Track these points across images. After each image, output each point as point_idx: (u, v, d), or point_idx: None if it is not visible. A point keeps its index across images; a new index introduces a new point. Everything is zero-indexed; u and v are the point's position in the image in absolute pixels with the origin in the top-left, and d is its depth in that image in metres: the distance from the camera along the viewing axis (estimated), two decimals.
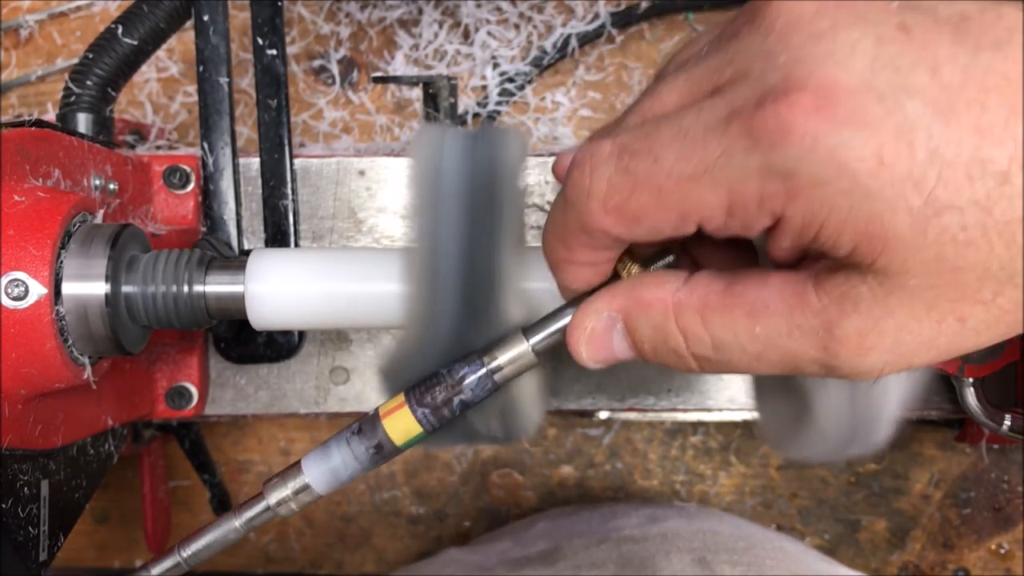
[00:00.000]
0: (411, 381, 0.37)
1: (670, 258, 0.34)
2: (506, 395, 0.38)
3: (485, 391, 0.36)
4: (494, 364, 0.36)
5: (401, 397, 0.37)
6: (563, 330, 0.35)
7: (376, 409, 0.37)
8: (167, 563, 0.39)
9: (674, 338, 0.31)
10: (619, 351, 0.33)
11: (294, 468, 0.38)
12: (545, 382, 0.40)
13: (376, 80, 0.66)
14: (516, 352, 0.36)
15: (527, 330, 0.36)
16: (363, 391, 0.57)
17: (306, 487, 0.38)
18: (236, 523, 0.39)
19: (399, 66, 0.70)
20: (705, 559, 0.50)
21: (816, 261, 0.29)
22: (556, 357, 0.59)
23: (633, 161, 0.27)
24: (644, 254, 0.34)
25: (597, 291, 0.34)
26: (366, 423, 0.37)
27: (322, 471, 0.38)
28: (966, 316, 0.26)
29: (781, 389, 0.45)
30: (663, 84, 0.30)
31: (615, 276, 0.34)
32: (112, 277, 0.39)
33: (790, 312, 0.28)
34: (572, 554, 0.53)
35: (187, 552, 0.39)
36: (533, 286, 0.39)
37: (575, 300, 0.35)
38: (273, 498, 0.38)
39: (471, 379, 0.36)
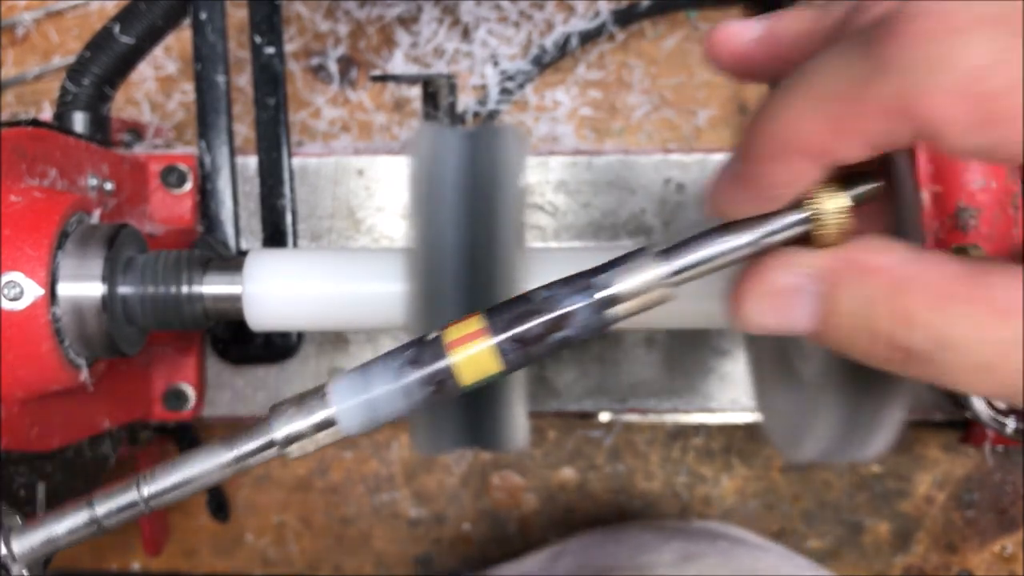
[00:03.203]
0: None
1: (877, 184, 0.27)
2: (490, 408, 0.35)
3: (594, 329, 0.29)
4: (607, 293, 0.28)
5: (478, 320, 0.29)
6: (716, 264, 0.28)
7: (438, 333, 0.30)
8: (122, 498, 0.30)
9: (889, 321, 0.25)
10: (798, 320, 0.27)
11: (316, 394, 0.29)
12: (527, 389, 0.37)
13: (375, 79, 0.65)
14: (643, 279, 0.28)
15: (664, 252, 0.29)
16: None
17: (331, 422, 0.29)
18: (226, 456, 0.29)
19: (398, 64, 0.69)
20: None
21: None
22: (556, 357, 0.59)
23: None
24: (839, 177, 0.27)
25: (777, 227, 0.27)
26: (424, 350, 0.29)
27: (356, 403, 0.29)
28: None
29: (782, 390, 0.45)
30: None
31: (794, 206, 0.27)
32: (109, 278, 0.38)
33: None
34: None
35: (151, 488, 0.30)
36: (534, 287, 0.38)
37: (732, 226, 0.28)
38: (282, 430, 0.29)
39: (577, 308, 0.28)
